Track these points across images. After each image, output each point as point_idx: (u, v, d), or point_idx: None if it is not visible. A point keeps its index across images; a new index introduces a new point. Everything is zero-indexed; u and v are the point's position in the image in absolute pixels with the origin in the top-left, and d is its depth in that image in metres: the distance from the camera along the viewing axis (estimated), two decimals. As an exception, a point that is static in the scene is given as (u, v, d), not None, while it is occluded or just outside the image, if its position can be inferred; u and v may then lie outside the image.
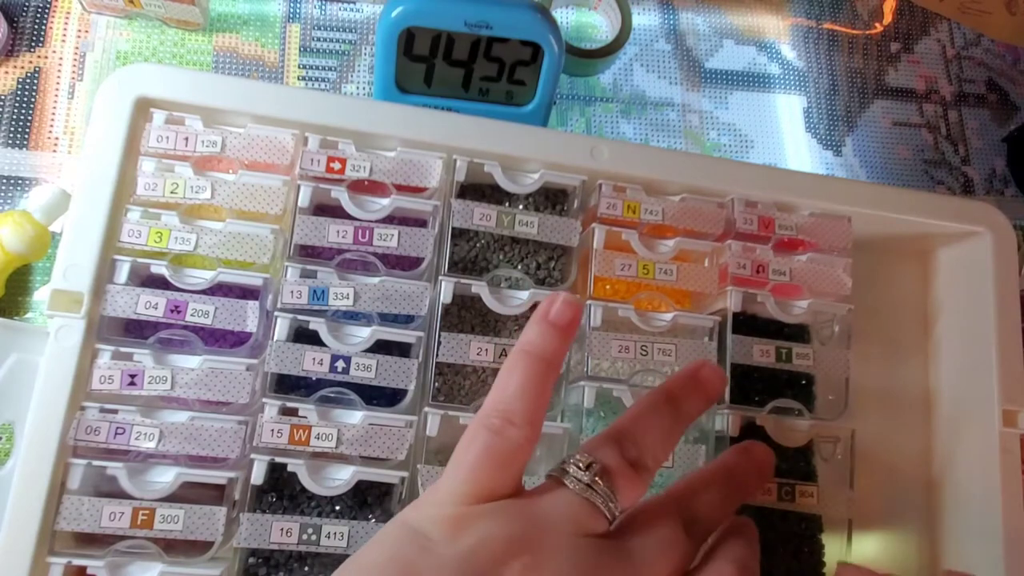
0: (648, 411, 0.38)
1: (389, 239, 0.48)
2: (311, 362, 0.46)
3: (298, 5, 0.68)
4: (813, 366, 0.52)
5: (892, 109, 0.76)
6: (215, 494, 0.46)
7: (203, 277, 0.48)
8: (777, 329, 0.54)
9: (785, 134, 0.73)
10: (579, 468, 0.35)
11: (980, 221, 0.56)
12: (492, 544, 0.32)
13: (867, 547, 0.56)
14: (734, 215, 0.52)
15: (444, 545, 0.32)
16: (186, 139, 0.48)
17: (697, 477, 0.39)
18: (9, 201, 0.59)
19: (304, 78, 0.66)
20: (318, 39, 0.67)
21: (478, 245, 0.52)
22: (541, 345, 0.36)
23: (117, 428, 0.44)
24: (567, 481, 0.35)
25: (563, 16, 0.72)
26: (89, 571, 0.43)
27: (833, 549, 0.52)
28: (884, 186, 0.60)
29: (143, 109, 0.48)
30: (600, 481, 0.35)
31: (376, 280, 0.48)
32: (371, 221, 0.49)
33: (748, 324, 0.53)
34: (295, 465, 0.45)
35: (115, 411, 0.45)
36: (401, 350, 0.49)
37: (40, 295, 0.57)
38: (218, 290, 0.48)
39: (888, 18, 0.79)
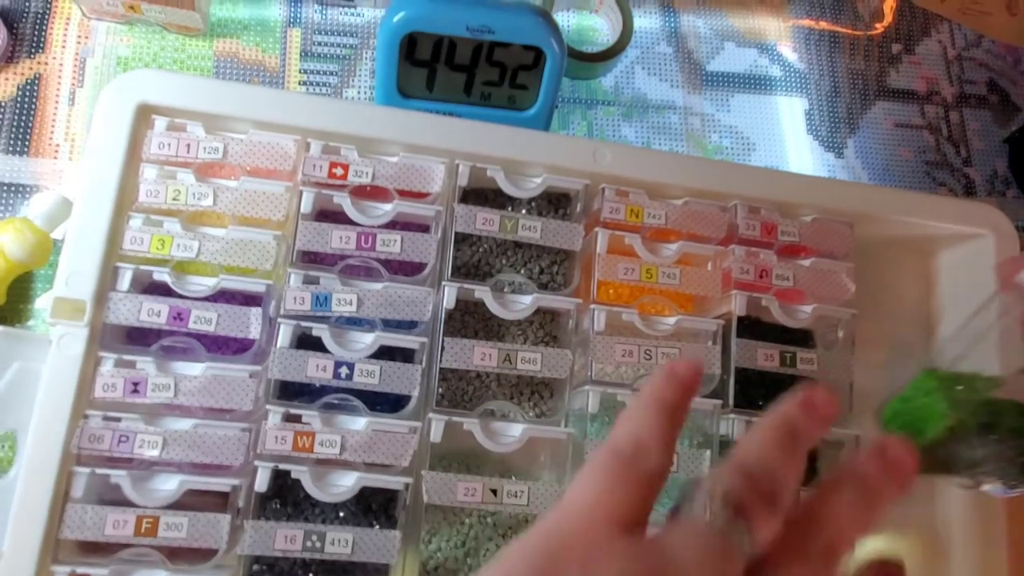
0: (774, 446, 0.35)
1: (392, 244, 0.48)
2: (314, 369, 0.46)
3: (299, 9, 0.68)
4: (817, 370, 0.51)
5: (893, 111, 0.76)
6: (219, 502, 0.46)
7: (206, 284, 0.48)
8: (781, 333, 0.54)
9: (787, 136, 0.73)
10: (711, 498, 0.32)
11: (982, 223, 0.56)
12: None
13: (869, 549, 0.56)
14: (737, 221, 0.52)
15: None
16: (188, 145, 0.48)
17: (833, 500, 0.35)
18: (10, 208, 0.59)
19: (305, 83, 0.66)
20: (319, 44, 0.67)
21: (481, 250, 0.52)
22: (671, 397, 0.35)
23: (120, 436, 0.44)
24: (695, 513, 0.33)
25: (564, 20, 0.72)
26: (93, 579, 0.43)
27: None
28: (886, 188, 0.60)
29: (145, 115, 0.48)
30: (739, 519, 0.32)
31: (379, 286, 0.48)
32: (374, 227, 0.49)
33: (752, 328, 0.53)
34: (299, 472, 0.45)
35: (118, 419, 0.45)
36: (404, 356, 0.49)
37: (41, 302, 0.57)
38: (221, 297, 0.48)
39: (889, 19, 0.79)
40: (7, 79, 0.62)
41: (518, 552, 0.32)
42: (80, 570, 0.43)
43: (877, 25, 0.79)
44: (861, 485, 0.35)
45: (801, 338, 0.55)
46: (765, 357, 0.50)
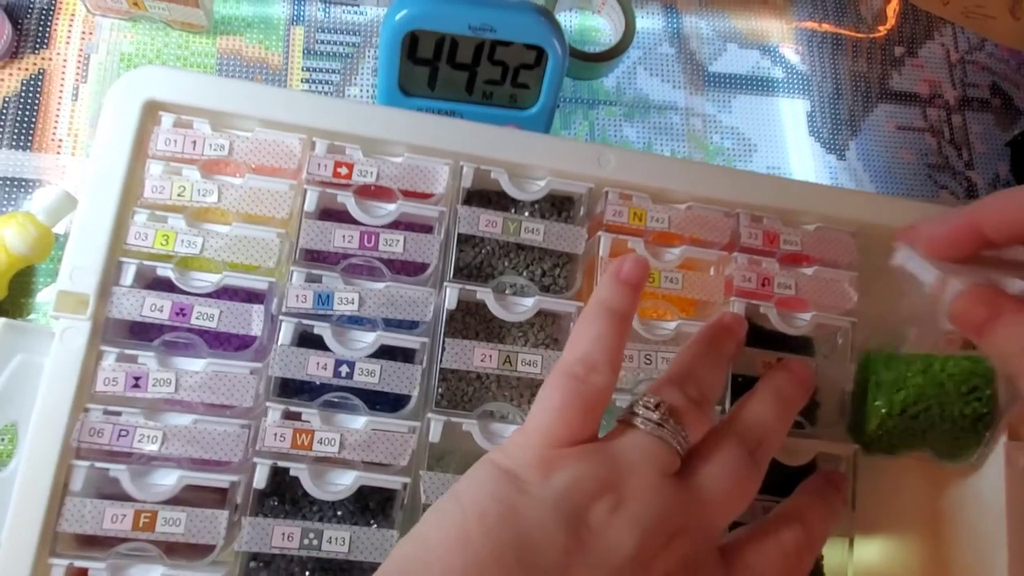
0: (696, 355, 0.42)
1: (395, 244, 0.48)
2: (315, 366, 0.46)
3: (302, 7, 0.68)
4: (817, 379, 0.51)
5: (896, 113, 0.76)
6: (217, 497, 0.46)
7: (209, 280, 0.48)
8: (780, 341, 0.54)
9: (789, 138, 0.74)
10: (648, 409, 0.38)
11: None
12: (582, 484, 0.35)
13: (870, 556, 0.56)
14: (739, 230, 0.52)
15: (537, 486, 0.34)
16: (194, 142, 0.48)
17: (749, 401, 0.42)
18: (12, 202, 0.59)
19: (308, 80, 0.66)
20: (322, 42, 0.67)
21: (483, 251, 0.52)
22: (615, 300, 0.40)
23: (120, 430, 0.44)
24: (638, 423, 0.37)
25: (567, 19, 0.72)
26: (91, 573, 0.43)
27: (834, 559, 0.52)
28: (888, 196, 0.60)
29: (152, 112, 0.48)
30: (670, 419, 0.37)
31: (381, 285, 0.48)
32: (377, 226, 0.49)
33: (751, 335, 0.53)
34: (297, 469, 0.45)
35: (119, 413, 0.45)
36: (405, 355, 0.49)
37: (43, 296, 0.57)
38: (223, 293, 0.48)
39: (892, 22, 0.79)
40: (11, 74, 0.62)
41: (485, 469, 0.36)
42: (78, 563, 0.43)
43: (880, 28, 0.79)
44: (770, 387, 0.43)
45: (803, 345, 0.55)
46: (764, 365, 0.51)
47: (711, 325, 0.45)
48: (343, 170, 0.49)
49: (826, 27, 0.77)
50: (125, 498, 0.44)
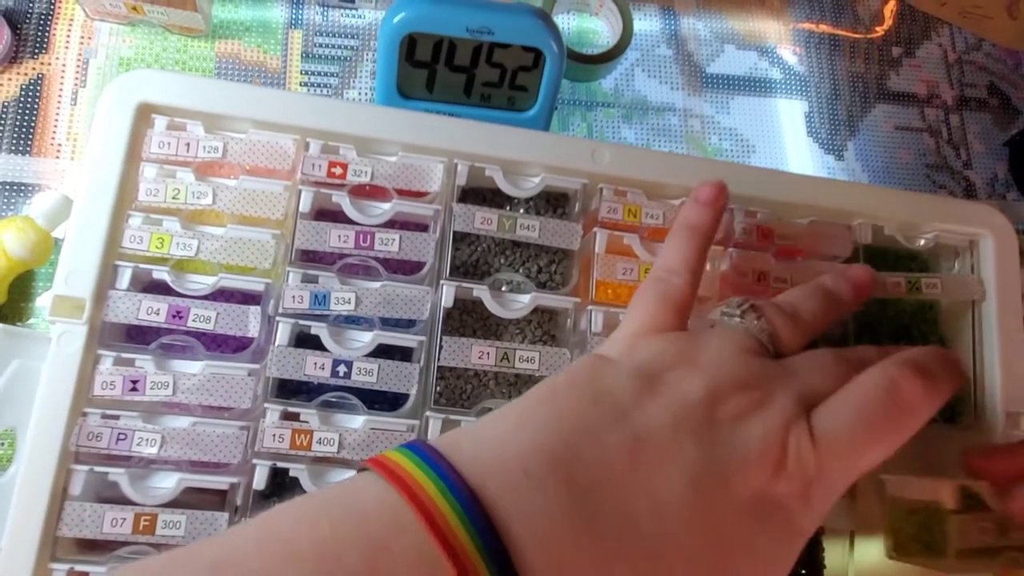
0: (801, 288, 0.44)
1: (390, 243, 0.48)
2: (312, 367, 0.46)
3: (300, 11, 0.68)
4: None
5: (894, 113, 0.76)
6: (217, 500, 0.46)
7: (205, 282, 0.48)
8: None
9: (787, 139, 0.73)
10: (731, 307, 0.41)
11: (981, 223, 0.56)
12: (662, 356, 0.37)
13: (870, 552, 0.56)
14: (733, 225, 0.52)
15: (623, 360, 0.38)
16: (187, 144, 0.48)
17: (858, 347, 0.42)
18: (12, 207, 0.59)
19: (306, 84, 0.66)
20: (320, 45, 0.67)
21: (479, 249, 0.52)
22: (694, 219, 0.45)
23: (119, 434, 0.44)
24: (724, 320, 0.41)
25: (564, 21, 0.72)
26: (91, 577, 0.43)
27: (834, 555, 0.52)
28: (883, 188, 0.60)
29: (145, 115, 0.48)
30: (751, 311, 0.40)
31: (377, 285, 0.48)
32: (372, 226, 0.49)
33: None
34: (297, 470, 0.45)
35: (117, 417, 0.45)
36: (403, 354, 0.49)
37: (42, 301, 0.57)
38: (220, 295, 0.48)
39: (889, 23, 0.79)
40: (10, 79, 0.62)
41: (582, 358, 0.39)
42: (78, 568, 0.43)
43: (877, 28, 0.79)
44: None
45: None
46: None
47: (834, 273, 0.46)
48: (337, 170, 0.49)
49: (823, 28, 0.77)
50: (125, 502, 0.44)
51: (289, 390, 0.49)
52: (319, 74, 0.67)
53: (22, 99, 0.62)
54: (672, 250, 0.43)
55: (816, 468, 0.35)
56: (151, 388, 0.45)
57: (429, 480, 0.31)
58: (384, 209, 0.49)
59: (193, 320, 0.46)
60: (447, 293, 0.48)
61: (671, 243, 0.44)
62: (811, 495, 0.35)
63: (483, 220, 0.49)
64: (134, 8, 0.62)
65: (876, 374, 0.37)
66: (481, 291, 0.49)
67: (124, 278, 0.47)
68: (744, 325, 0.40)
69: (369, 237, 0.48)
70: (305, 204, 0.48)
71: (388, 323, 0.49)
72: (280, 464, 0.45)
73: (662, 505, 0.33)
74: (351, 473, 0.46)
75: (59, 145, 0.61)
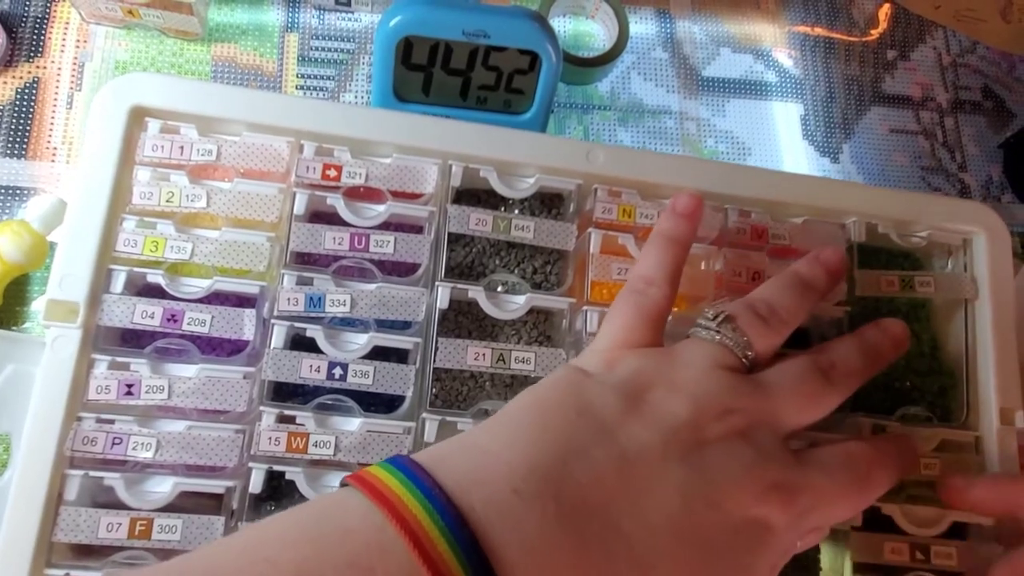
0: (775, 281, 0.44)
1: (385, 245, 0.48)
2: (308, 369, 0.46)
3: (296, 14, 0.68)
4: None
5: (889, 116, 0.76)
6: (213, 503, 0.46)
7: (199, 285, 0.48)
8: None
9: (782, 141, 0.74)
10: (707, 319, 0.41)
11: (974, 222, 0.56)
12: (642, 373, 0.38)
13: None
14: (727, 225, 0.52)
15: (603, 375, 0.38)
16: (181, 148, 0.48)
17: (833, 340, 0.44)
18: (7, 211, 0.59)
19: (302, 87, 0.66)
20: (316, 48, 0.67)
21: (474, 250, 0.52)
22: (672, 230, 0.45)
23: (114, 438, 0.44)
24: (699, 332, 0.41)
25: (560, 25, 0.72)
26: (86, 582, 0.43)
27: (830, 556, 0.52)
28: (877, 188, 0.60)
29: (138, 118, 0.48)
30: (726, 324, 0.40)
31: (373, 286, 0.48)
32: (367, 228, 0.49)
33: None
34: (293, 473, 0.45)
35: (112, 421, 0.45)
36: (398, 356, 0.49)
37: (37, 305, 0.57)
38: (215, 298, 0.48)
39: (884, 26, 0.79)
40: (5, 83, 0.62)
41: (560, 369, 0.39)
42: (74, 573, 0.43)
43: (872, 31, 0.79)
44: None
45: (795, 338, 0.55)
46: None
47: (806, 259, 0.46)
48: (332, 172, 0.49)
49: (818, 31, 0.78)
50: (120, 506, 0.44)
51: (285, 393, 0.49)
52: (315, 77, 0.67)
53: (17, 102, 0.62)
54: (650, 259, 0.44)
55: (799, 490, 0.37)
56: (146, 392, 0.45)
57: (414, 499, 0.31)
58: (379, 211, 0.49)
59: (188, 323, 0.46)
60: (442, 294, 0.48)
61: (649, 252, 0.44)
62: (797, 514, 0.37)
63: (478, 221, 0.49)
64: (130, 12, 0.62)
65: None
66: (476, 292, 0.49)
67: (118, 282, 0.47)
68: (719, 340, 0.40)
69: (364, 239, 0.48)
70: (300, 206, 0.48)
71: (384, 325, 0.48)
72: (276, 467, 0.45)
73: (653, 526, 0.33)
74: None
75: (54, 149, 0.61)
